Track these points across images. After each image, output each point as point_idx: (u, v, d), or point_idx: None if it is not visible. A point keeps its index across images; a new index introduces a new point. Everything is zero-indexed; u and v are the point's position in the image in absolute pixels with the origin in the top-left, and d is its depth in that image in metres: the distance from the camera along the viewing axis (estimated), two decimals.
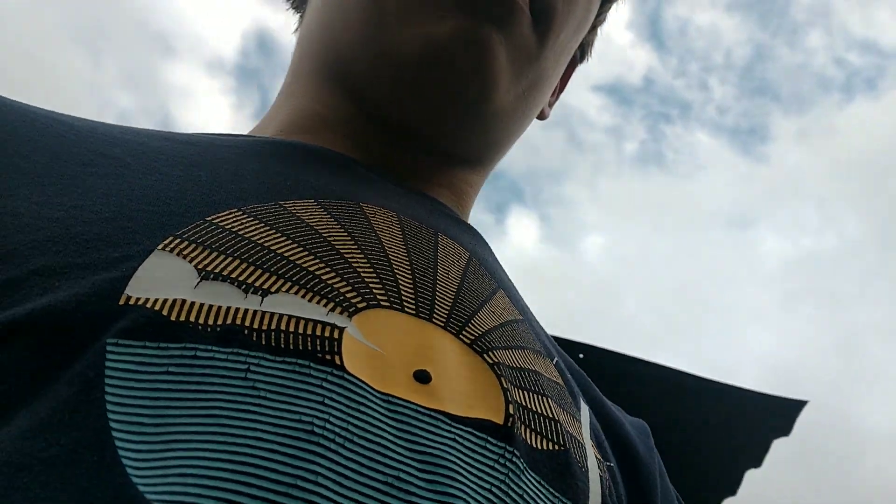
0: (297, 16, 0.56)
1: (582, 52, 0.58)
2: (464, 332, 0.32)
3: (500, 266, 0.45)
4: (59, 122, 0.36)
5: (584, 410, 0.36)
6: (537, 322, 0.42)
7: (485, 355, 0.31)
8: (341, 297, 0.29)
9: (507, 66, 0.42)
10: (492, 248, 0.47)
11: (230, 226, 0.30)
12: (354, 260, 0.32)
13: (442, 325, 0.31)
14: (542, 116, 0.55)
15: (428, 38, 0.41)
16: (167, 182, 0.32)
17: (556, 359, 0.38)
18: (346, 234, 0.33)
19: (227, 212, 0.31)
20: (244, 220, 0.31)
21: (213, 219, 0.30)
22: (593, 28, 0.56)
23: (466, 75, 0.41)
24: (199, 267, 0.27)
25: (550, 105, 0.57)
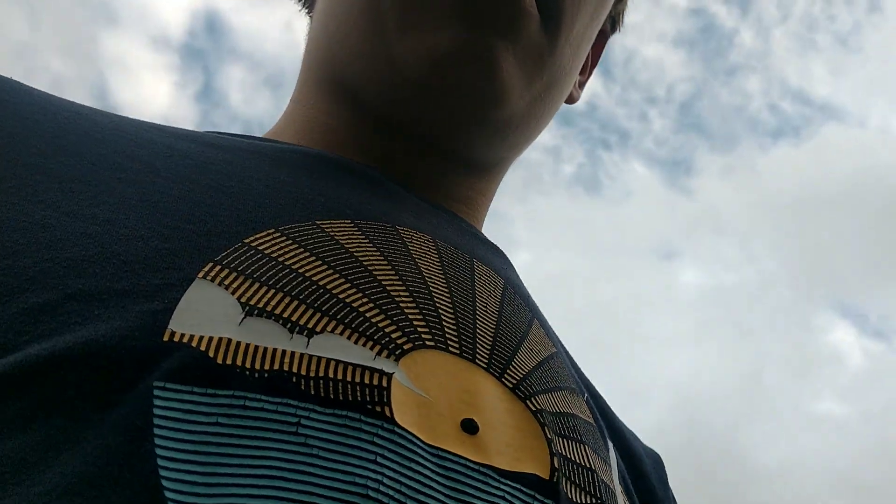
0: (308, 16, 0.53)
1: (613, 24, 0.55)
2: (506, 376, 0.31)
3: (524, 286, 0.43)
4: (83, 116, 0.34)
5: (612, 453, 0.36)
6: (564, 348, 0.41)
7: (528, 402, 0.30)
8: (388, 339, 0.28)
9: (517, 73, 0.40)
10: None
11: (269, 250, 0.29)
12: (397, 294, 0.30)
13: (485, 366, 0.30)
14: (570, 100, 0.52)
15: (430, 51, 0.38)
16: (199, 194, 0.31)
17: (585, 395, 0.37)
18: (386, 262, 0.32)
19: (264, 233, 0.29)
20: (282, 244, 0.29)
21: (252, 241, 0.29)
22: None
23: (473, 88, 0.39)
24: (243, 300, 0.26)
25: (581, 85, 0.54)
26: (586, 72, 0.55)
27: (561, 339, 0.42)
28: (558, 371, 0.35)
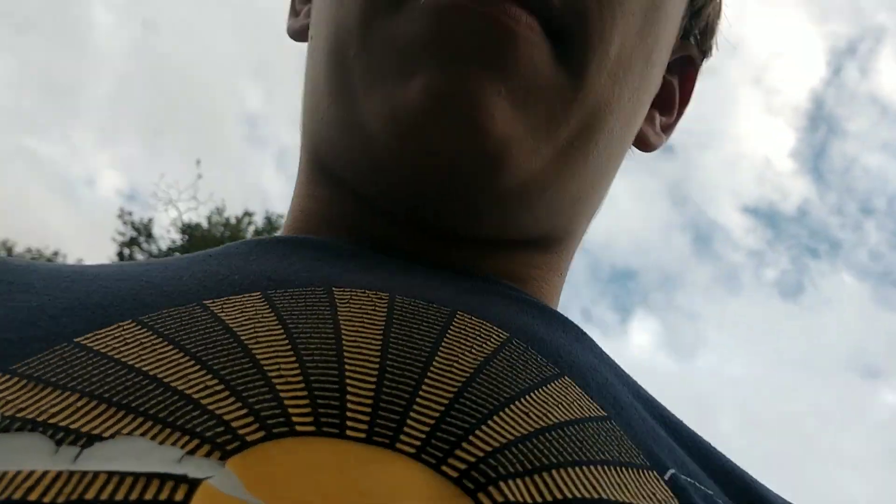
0: None
1: (701, 46, 0.43)
2: (451, 461, 0.20)
3: (607, 363, 0.31)
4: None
5: None
6: (652, 411, 0.29)
7: (483, 493, 0.20)
8: (221, 429, 0.19)
9: (520, 122, 0.30)
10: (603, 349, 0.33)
11: (103, 345, 0.23)
12: (275, 370, 0.22)
13: (413, 450, 0.20)
14: (645, 146, 0.41)
15: (394, 109, 0.30)
16: (47, 301, 0.25)
17: (670, 471, 0.24)
18: (282, 334, 0.24)
19: (113, 326, 0.23)
20: (133, 334, 0.23)
21: (85, 339, 0.23)
22: (701, 9, 0.41)
23: (456, 151, 0.30)
24: (7, 414, 0.19)
25: (666, 128, 0.42)
26: (670, 110, 0.42)
27: (676, 416, 0.30)
28: (593, 438, 0.24)
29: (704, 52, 0.43)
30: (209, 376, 0.21)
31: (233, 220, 13.34)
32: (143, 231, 15.86)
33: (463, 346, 0.25)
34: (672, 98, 0.42)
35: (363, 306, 0.26)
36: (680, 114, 0.43)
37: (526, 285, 0.36)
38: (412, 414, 0.21)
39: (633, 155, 0.42)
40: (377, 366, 0.23)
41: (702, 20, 0.41)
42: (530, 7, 0.30)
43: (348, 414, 0.21)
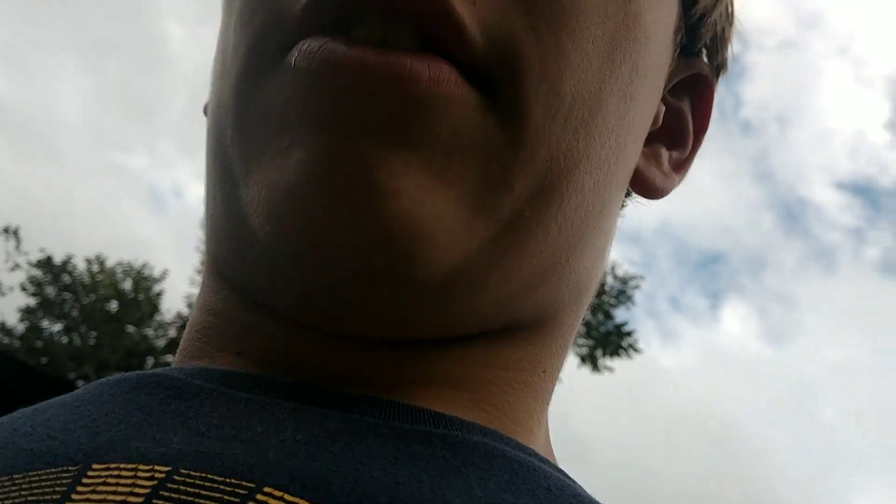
0: None
1: (712, 61, 0.36)
2: None
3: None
4: None
5: None
6: None
7: None
8: None
9: (440, 193, 0.24)
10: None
11: None
12: None
13: None
14: (651, 193, 0.34)
15: (270, 191, 0.24)
16: None
17: None
18: None
19: None
20: None
21: None
22: (702, 18, 0.34)
23: (345, 235, 0.24)
24: None
25: (679, 166, 0.35)
26: (682, 142, 0.35)
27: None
28: None
29: (718, 67, 0.36)
30: None
31: None
32: None
33: None
34: (683, 127, 0.35)
35: (115, 491, 0.20)
36: (698, 143, 0.36)
37: (481, 392, 0.28)
38: None
39: (640, 200, 0.36)
40: None
41: (706, 31, 0.34)
42: (440, 52, 0.24)
43: None
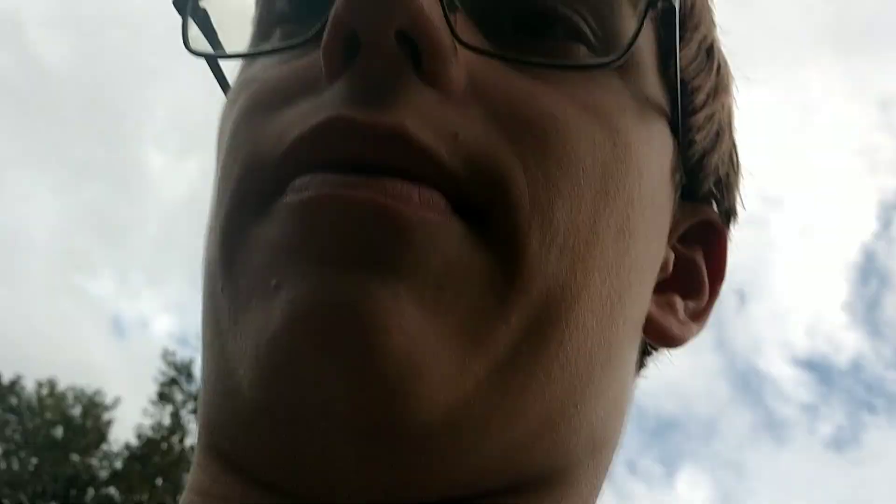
0: None
1: (720, 206, 0.35)
2: None
3: None
4: None
5: None
6: None
7: None
8: None
9: (432, 328, 0.22)
10: None
11: None
12: None
13: None
14: (668, 341, 0.32)
15: (256, 339, 0.23)
16: None
17: None
18: None
19: None
20: None
21: None
22: (702, 160, 0.33)
23: (334, 382, 0.22)
24: None
25: (697, 316, 0.33)
26: (698, 292, 0.33)
27: None
28: None
29: (728, 213, 0.35)
30: None
31: None
32: (184, 371, 16.34)
33: None
34: (697, 277, 0.34)
35: None
36: (714, 293, 0.34)
37: None
38: None
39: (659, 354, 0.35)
40: None
41: (709, 174, 0.34)
42: (425, 179, 0.23)
43: None
